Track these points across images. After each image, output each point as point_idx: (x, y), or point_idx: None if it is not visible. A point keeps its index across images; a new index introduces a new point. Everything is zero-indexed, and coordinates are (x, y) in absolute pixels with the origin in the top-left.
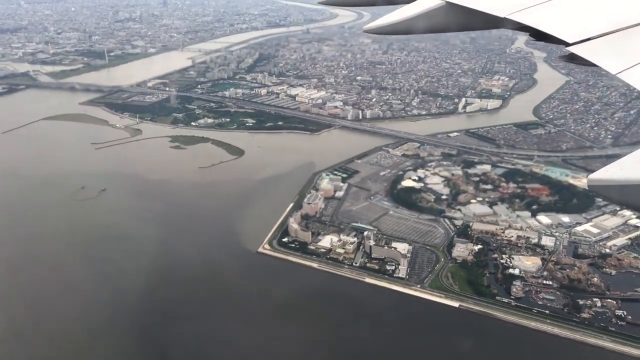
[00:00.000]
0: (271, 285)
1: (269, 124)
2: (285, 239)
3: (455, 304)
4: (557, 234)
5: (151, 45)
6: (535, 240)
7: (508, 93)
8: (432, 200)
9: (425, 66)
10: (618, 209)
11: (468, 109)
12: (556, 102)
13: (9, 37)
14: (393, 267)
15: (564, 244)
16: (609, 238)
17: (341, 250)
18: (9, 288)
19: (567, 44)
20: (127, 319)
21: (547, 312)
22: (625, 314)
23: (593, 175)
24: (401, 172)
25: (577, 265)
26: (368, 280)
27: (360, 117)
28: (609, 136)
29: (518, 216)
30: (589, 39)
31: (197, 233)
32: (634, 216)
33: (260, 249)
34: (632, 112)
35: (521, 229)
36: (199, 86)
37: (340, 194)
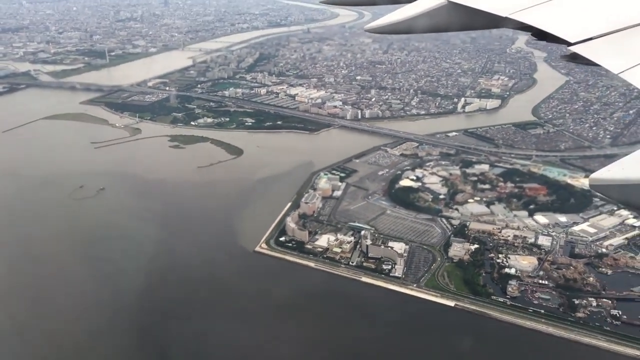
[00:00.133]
0: (267, 284)
1: (268, 123)
2: (282, 238)
3: (451, 303)
4: (553, 233)
5: (152, 45)
6: (532, 240)
7: (507, 93)
8: (430, 199)
9: (425, 66)
10: (615, 208)
11: (467, 108)
12: (555, 101)
13: (10, 36)
14: (389, 267)
15: (561, 243)
16: (605, 238)
17: (338, 250)
18: (4, 288)
19: (569, 44)
20: (124, 318)
21: (543, 311)
22: (620, 313)
23: (594, 175)
24: (399, 172)
25: (573, 264)
26: (364, 279)
27: (360, 116)
28: (608, 136)
29: (515, 216)
30: (590, 39)
31: (195, 232)
32: (631, 216)
33: (257, 248)
34: (631, 112)
35: (518, 228)
36: (199, 86)
37: (338, 193)
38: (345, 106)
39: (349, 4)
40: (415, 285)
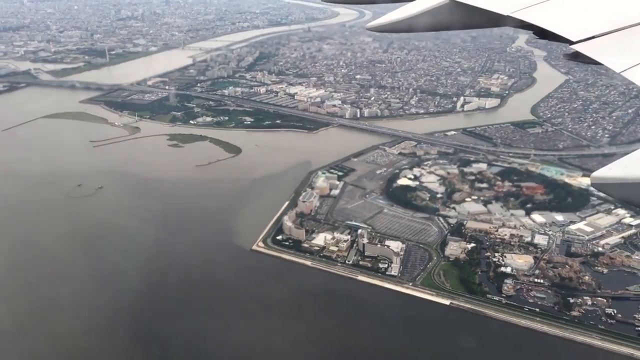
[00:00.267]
0: (263, 282)
1: (267, 122)
2: (279, 237)
3: (446, 302)
4: (550, 232)
5: (152, 44)
6: (529, 239)
7: (507, 92)
8: (427, 198)
9: (425, 65)
10: (612, 207)
11: (466, 107)
12: (555, 100)
13: (11, 35)
14: (386, 265)
15: (557, 242)
16: (602, 237)
17: (334, 248)
18: (2, 286)
19: (571, 42)
20: (120, 315)
21: (538, 310)
22: (615, 312)
23: (596, 173)
24: (397, 171)
25: (569, 263)
26: (360, 278)
27: (358, 115)
28: (606, 135)
29: (512, 215)
30: (592, 37)
31: (192, 230)
32: (627, 215)
33: (255, 247)
34: (630, 110)
35: (515, 227)
36: (198, 84)
37: (335, 192)
38: (345, 105)
39: (350, 2)
40: (411, 284)
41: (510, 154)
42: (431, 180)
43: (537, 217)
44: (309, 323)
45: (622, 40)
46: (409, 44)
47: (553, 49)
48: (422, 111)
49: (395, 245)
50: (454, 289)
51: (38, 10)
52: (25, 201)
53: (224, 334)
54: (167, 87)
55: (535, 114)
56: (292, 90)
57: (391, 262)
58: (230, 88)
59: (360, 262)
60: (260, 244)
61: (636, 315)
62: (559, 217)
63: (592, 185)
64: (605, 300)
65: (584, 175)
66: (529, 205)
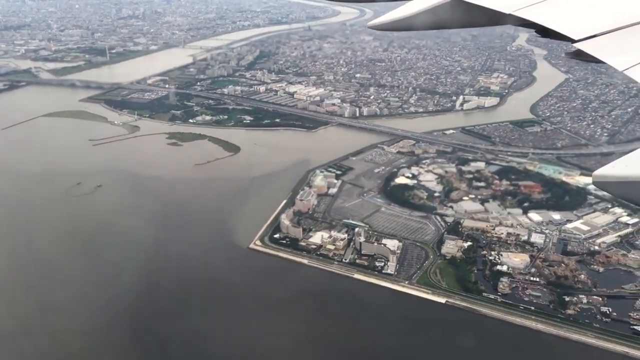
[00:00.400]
0: (260, 281)
1: (266, 121)
2: (276, 236)
3: (442, 300)
4: (547, 231)
5: (153, 43)
6: (525, 238)
7: (506, 90)
8: (425, 197)
9: (424, 63)
10: (609, 206)
11: (465, 106)
12: (554, 99)
13: (12, 34)
14: (382, 264)
15: (554, 241)
16: (598, 235)
17: (331, 247)
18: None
19: (573, 41)
20: (118, 313)
21: (533, 308)
22: (610, 310)
23: (598, 172)
24: (395, 170)
25: (565, 262)
26: (357, 276)
27: (358, 114)
28: (605, 134)
29: (509, 213)
30: (595, 36)
31: (190, 229)
32: (624, 214)
33: (252, 245)
34: (629, 109)
35: (512, 226)
36: (198, 83)
37: (333, 190)
38: (344, 104)
39: (351, 0)
40: (407, 282)
41: (509, 153)
42: (429, 179)
43: (534, 215)
44: (306, 321)
45: (625, 38)
46: (410, 42)
47: (553, 48)
48: (421, 110)
49: (392, 244)
50: (450, 287)
51: (39, 9)
52: (24, 199)
53: (221, 332)
54: (167, 86)
55: (535, 113)
56: (292, 89)
57: (388, 261)
58: (230, 87)
59: (357, 261)
60: (258, 242)
61: (631, 314)
62: (556, 215)
63: (594, 183)
64: (600, 299)
65: (582, 174)
66: (526, 204)
